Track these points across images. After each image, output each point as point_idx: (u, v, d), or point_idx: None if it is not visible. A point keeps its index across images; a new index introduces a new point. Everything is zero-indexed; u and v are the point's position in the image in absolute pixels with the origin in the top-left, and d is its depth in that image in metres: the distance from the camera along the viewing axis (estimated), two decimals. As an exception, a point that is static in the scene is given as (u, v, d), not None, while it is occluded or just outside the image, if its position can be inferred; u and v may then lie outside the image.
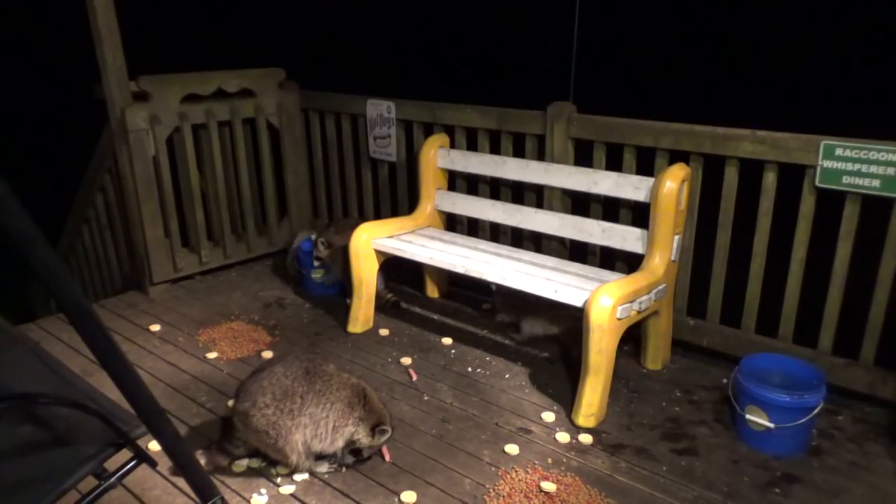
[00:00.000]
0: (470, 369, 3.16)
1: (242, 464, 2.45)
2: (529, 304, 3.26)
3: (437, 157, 3.70)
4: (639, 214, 3.07)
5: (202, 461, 2.40)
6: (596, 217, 3.30)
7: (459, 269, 3.17)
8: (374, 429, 2.37)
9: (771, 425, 2.47)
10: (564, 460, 2.50)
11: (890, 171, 2.52)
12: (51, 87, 7.16)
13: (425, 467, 2.46)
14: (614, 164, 3.22)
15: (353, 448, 2.40)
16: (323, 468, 2.42)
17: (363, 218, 4.35)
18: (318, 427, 2.31)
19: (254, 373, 2.40)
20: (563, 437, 2.63)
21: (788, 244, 2.85)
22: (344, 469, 2.44)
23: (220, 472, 2.41)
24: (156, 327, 3.61)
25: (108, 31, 3.58)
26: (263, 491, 2.34)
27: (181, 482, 2.33)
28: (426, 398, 2.92)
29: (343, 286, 3.80)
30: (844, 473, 2.42)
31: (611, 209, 3.28)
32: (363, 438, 2.37)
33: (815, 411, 2.45)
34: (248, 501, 2.29)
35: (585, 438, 2.62)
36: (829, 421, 2.71)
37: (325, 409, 2.31)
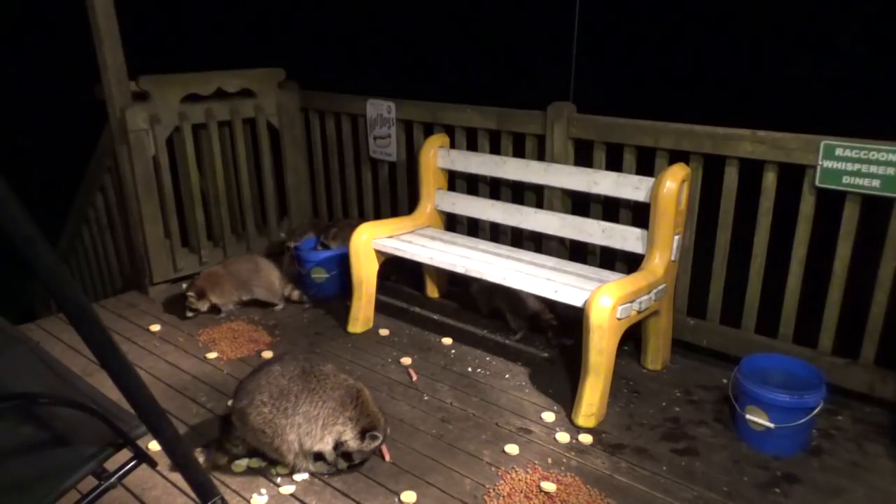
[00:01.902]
0: (470, 369, 3.16)
1: (242, 464, 2.46)
2: (503, 295, 3.41)
3: (437, 157, 3.70)
4: (639, 214, 3.07)
5: (201, 459, 2.41)
6: (596, 217, 3.29)
7: (459, 269, 3.17)
8: (365, 433, 2.32)
9: (771, 425, 2.47)
10: (564, 460, 2.50)
11: (890, 171, 2.52)
12: (51, 87, 7.16)
13: (425, 467, 2.46)
14: (614, 164, 3.22)
15: (342, 451, 2.38)
16: (322, 468, 2.42)
17: (363, 218, 4.35)
18: (310, 424, 2.30)
19: (253, 372, 2.41)
20: (563, 437, 2.63)
21: (788, 244, 2.84)
22: (342, 472, 2.43)
23: (219, 472, 2.41)
24: (156, 327, 3.61)
25: (108, 31, 3.58)
26: (263, 491, 2.34)
27: (181, 482, 2.33)
28: (426, 398, 2.92)
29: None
30: (844, 473, 2.42)
31: (611, 209, 3.27)
32: (351, 441, 2.33)
33: (815, 411, 2.45)
34: (248, 501, 2.29)
35: (585, 438, 2.62)
36: (829, 421, 2.70)
37: (317, 407, 2.30)
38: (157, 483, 2.37)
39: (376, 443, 2.37)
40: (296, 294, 3.88)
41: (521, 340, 3.41)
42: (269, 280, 3.83)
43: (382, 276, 3.61)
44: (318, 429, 2.31)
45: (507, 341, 3.42)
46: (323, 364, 2.43)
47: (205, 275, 3.76)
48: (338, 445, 2.35)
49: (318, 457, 2.40)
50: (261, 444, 2.35)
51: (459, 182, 3.85)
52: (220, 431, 2.50)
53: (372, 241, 3.46)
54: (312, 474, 2.41)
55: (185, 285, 3.83)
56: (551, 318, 3.40)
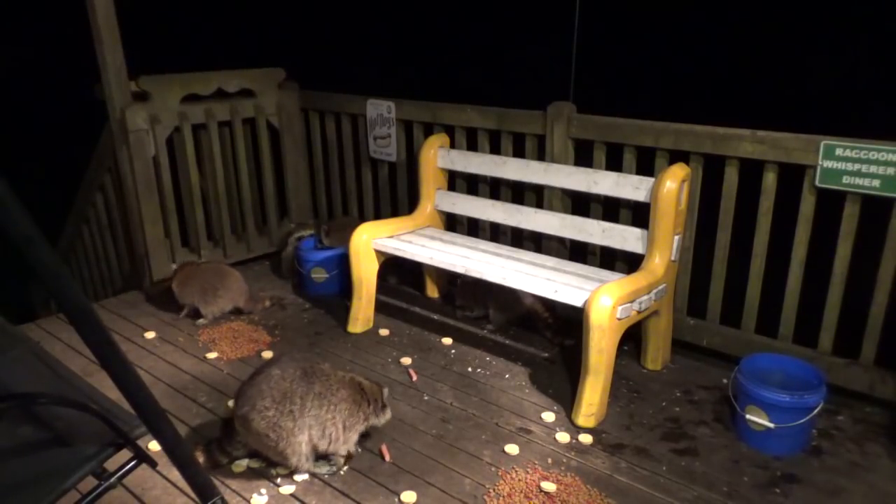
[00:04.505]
0: (470, 369, 3.16)
1: (242, 464, 2.45)
2: (491, 293, 3.45)
3: (437, 157, 3.70)
4: (639, 214, 3.07)
5: (201, 459, 2.41)
6: (596, 217, 3.30)
7: (459, 269, 3.17)
8: (382, 408, 2.50)
9: (771, 425, 2.47)
10: (564, 460, 2.50)
11: (890, 171, 2.52)
12: (51, 87, 7.15)
13: (425, 467, 2.46)
14: (614, 164, 3.22)
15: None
16: (323, 469, 2.42)
17: (363, 218, 4.35)
18: (325, 428, 2.33)
19: (251, 377, 2.39)
20: (563, 437, 2.63)
21: (788, 244, 2.84)
22: (342, 472, 2.44)
23: (219, 472, 2.41)
24: (150, 334, 3.57)
25: (108, 31, 3.58)
26: (263, 491, 2.34)
27: (181, 482, 2.32)
28: (426, 398, 2.92)
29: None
30: (844, 473, 2.42)
31: (611, 209, 3.27)
32: (377, 421, 2.49)
33: (815, 411, 2.46)
34: (248, 501, 2.29)
35: (585, 438, 2.62)
36: (829, 421, 2.71)
37: (329, 411, 2.33)
38: (157, 483, 2.38)
39: (388, 407, 2.53)
40: (268, 303, 3.83)
41: (518, 340, 3.42)
42: (229, 295, 3.70)
43: (382, 276, 3.62)
44: (341, 431, 2.37)
45: (506, 341, 3.43)
46: (320, 363, 2.44)
47: (183, 265, 3.79)
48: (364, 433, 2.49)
49: (319, 457, 2.41)
50: (265, 448, 2.34)
51: (459, 182, 3.85)
52: (220, 433, 2.50)
53: (372, 241, 3.46)
54: (313, 475, 2.41)
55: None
56: (548, 316, 3.41)
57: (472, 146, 3.75)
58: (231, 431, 2.41)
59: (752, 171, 2.89)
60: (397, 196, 4.23)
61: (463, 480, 2.38)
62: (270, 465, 2.43)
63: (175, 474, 2.35)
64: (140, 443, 1.36)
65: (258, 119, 4.34)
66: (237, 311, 3.75)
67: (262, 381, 2.32)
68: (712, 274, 3.11)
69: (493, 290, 3.35)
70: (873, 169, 2.55)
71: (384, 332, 3.53)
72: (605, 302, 2.58)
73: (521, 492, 2.30)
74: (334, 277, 3.96)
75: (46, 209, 3.33)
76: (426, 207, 3.76)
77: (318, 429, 2.32)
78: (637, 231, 3.02)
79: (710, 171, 3.01)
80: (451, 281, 3.95)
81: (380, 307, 3.68)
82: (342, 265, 3.81)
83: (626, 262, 3.25)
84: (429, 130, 3.90)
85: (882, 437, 2.61)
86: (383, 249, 3.46)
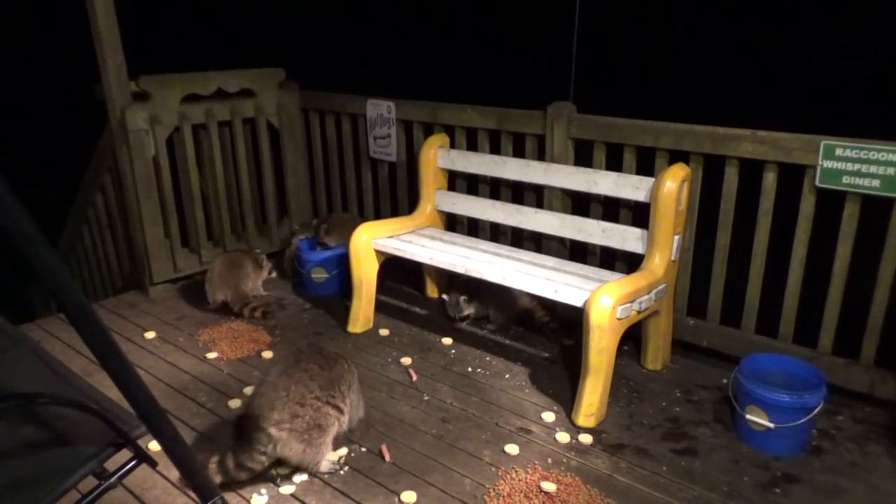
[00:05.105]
0: (470, 369, 3.16)
1: (242, 464, 2.45)
2: (490, 293, 3.46)
3: (437, 157, 3.70)
4: (639, 214, 3.07)
5: (217, 479, 2.26)
6: (596, 217, 3.30)
7: (459, 269, 3.17)
8: None
9: (771, 425, 2.47)
10: (564, 460, 2.50)
11: (890, 171, 2.52)
12: (51, 87, 7.16)
13: (425, 467, 2.46)
14: (614, 164, 3.22)
15: None
16: (324, 468, 2.42)
17: (363, 218, 4.35)
18: (356, 399, 2.50)
19: (269, 382, 2.31)
20: (563, 437, 2.63)
21: (788, 244, 2.84)
22: (342, 472, 2.44)
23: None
24: (150, 334, 3.58)
25: (108, 31, 3.58)
26: (263, 491, 2.34)
27: (181, 482, 2.32)
28: (426, 398, 2.92)
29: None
30: (844, 473, 2.42)
31: (611, 209, 3.28)
32: None
33: (815, 411, 2.46)
34: (248, 501, 2.29)
35: (585, 438, 2.62)
36: (829, 421, 2.71)
37: (355, 383, 2.51)
38: (157, 483, 2.38)
39: None
40: (258, 313, 3.68)
41: (518, 340, 3.42)
42: (217, 283, 3.74)
43: (382, 276, 3.61)
44: (358, 394, 2.53)
45: (506, 341, 3.43)
46: (323, 348, 2.56)
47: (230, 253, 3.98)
48: None
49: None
50: (303, 447, 2.27)
51: (459, 182, 3.85)
52: (234, 447, 2.30)
53: (372, 241, 3.46)
54: (312, 475, 2.41)
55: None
56: (543, 314, 3.41)
57: (472, 146, 3.75)
58: (248, 445, 2.26)
59: (752, 171, 2.89)
60: (397, 196, 4.23)
61: (463, 480, 2.39)
62: (270, 465, 2.42)
63: (175, 474, 2.36)
64: (140, 443, 1.36)
65: (258, 119, 4.34)
66: (229, 308, 3.76)
67: (302, 379, 2.29)
68: (712, 274, 3.11)
69: (493, 289, 3.35)
70: (873, 169, 2.55)
71: (384, 332, 3.53)
72: (605, 302, 2.58)
73: (521, 492, 2.30)
74: (334, 277, 3.96)
75: (46, 209, 3.33)
76: (426, 207, 3.76)
77: (356, 401, 2.48)
78: (637, 231, 3.02)
79: (710, 171, 3.01)
80: (452, 281, 3.95)
81: (380, 307, 3.68)
82: (342, 265, 3.81)
83: (626, 262, 3.25)
84: (429, 130, 3.90)
85: (882, 437, 2.61)
86: (383, 249, 3.46)
